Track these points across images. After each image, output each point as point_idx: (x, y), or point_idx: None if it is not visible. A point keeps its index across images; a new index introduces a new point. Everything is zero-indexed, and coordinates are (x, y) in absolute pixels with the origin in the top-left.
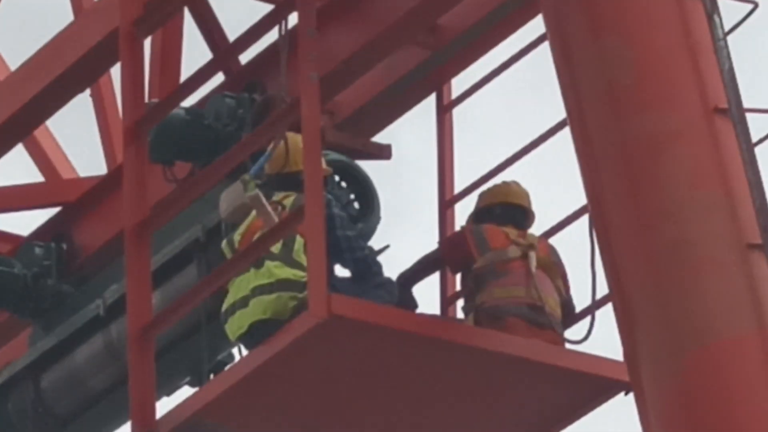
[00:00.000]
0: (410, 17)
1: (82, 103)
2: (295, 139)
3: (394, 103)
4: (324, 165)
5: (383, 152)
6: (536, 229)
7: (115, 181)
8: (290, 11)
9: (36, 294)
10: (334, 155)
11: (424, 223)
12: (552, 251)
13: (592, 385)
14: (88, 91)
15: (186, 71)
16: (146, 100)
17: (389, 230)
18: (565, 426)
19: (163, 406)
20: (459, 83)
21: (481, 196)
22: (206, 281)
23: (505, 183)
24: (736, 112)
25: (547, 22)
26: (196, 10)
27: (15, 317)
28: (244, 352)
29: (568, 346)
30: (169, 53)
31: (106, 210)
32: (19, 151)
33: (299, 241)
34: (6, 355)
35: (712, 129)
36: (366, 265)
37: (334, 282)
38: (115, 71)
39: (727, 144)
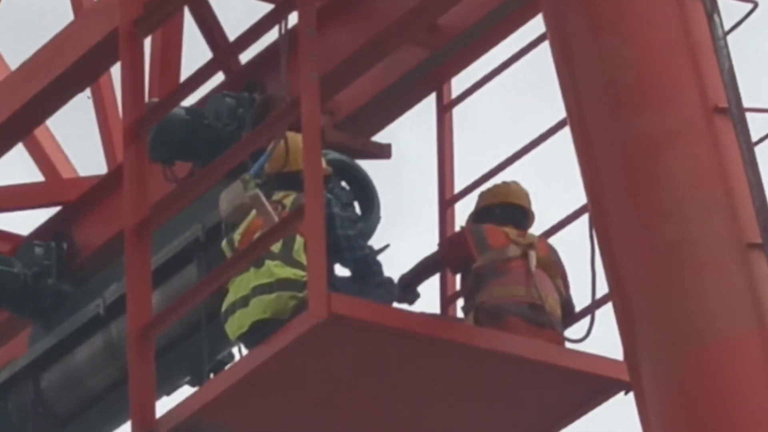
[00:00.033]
0: (410, 17)
1: (82, 103)
2: (295, 138)
3: (394, 103)
4: (324, 164)
5: (383, 152)
6: (536, 229)
7: (115, 180)
8: (290, 11)
9: (36, 293)
10: (334, 155)
11: (424, 223)
12: (552, 251)
13: (592, 385)
14: (88, 91)
15: (186, 71)
16: (146, 99)
17: (389, 230)
18: (565, 425)
19: (163, 405)
20: (459, 83)
21: (481, 196)
22: (206, 281)
23: (505, 183)
24: (736, 112)
25: (547, 21)
26: (196, 10)
27: (15, 317)
28: (244, 351)
29: (568, 345)
30: (169, 53)
31: (106, 209)
32: (19, 151)
33: (299, 240)
34: (6, 354)
35: (712, 129)
36: (366, 264)
37: (334, 281)
38: (115, 71)
39: (727, 144)
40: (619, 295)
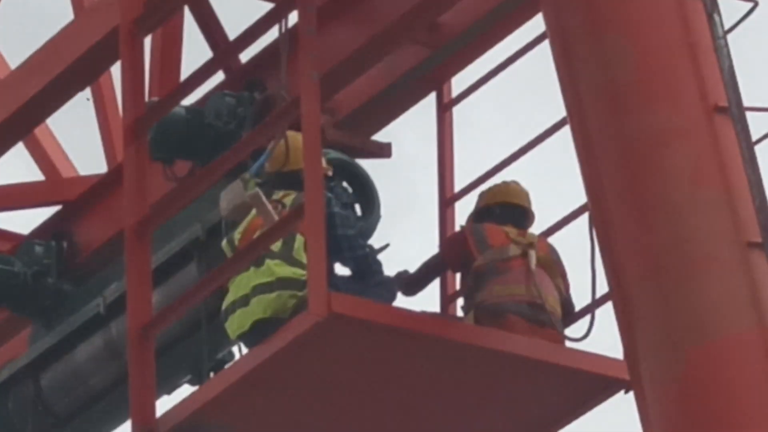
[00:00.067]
0: (410, 16)
1: (82, 102)
2: (296, 137)
3: (394, 102)
4: (324, 163)
5: (383, 151)
6: (536, 228)
7: (115, 179)
8: (290, 10)
9: (36, 292)
10: (334, 154)
11: (424, 222)
12: (552, 250)
13: (592, 383)
14: (88, 90)
15: (186, 70)
16: (146, 98)
17: (389, 229)
18: (565, 424)
19: (163, 404)
20: (459, 82)
21: (481, 195)
22: (206, 280)
23: (505, 183)
24: (736, 111)
25: (547, 20)
26: (196, 9)
27: (15, 316)
28: (244, 350)
29: (568, 344)
30: (170, 52)
31: (107, 209)
32: (19, 150)
33: (299, 239)
34: (6, 353)
35: (712, 127)
36: (366, 263)
37: (334, 280)
38: (116, 70)
39: (727, 142)
40: (619, 293)
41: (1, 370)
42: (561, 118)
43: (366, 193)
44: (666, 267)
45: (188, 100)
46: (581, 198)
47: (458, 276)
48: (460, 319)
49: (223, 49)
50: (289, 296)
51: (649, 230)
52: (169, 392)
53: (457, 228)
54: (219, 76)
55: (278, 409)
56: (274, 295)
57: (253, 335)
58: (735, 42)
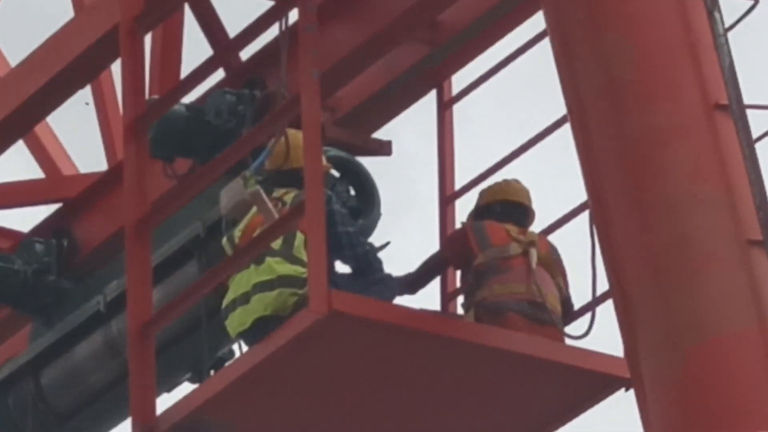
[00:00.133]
0: (411, 13)
1: (82, 100)
2: (296, 135)
3: (395, 100)
4: (324, 161)
5: (384, 148)
6: (536, 225)
7: (115, 177)
8: (291, 8)
9: (36, 290)
10: (334, 151)
11: (425, 220)
12: (552, 249)
13: (593, 382)
14: (88, 88)
15: (186, 68)
16: (146, 96)
17: (390, 226)
18: (565, 422)
19: (164, 402)
20: (459, 80)
21: (482, 193)
22: (207, 277)
23: (505, 181)
24: (736, 109)
25: (548, 18)
26: (196, 7)
27: (15, 313)
28: (245, 348)
29: (568, 342)
30: (170, 49)
31: (107, 206)
32: (19, 148)
33: (300, 237)
34: (6, 351)
35: (712, 125)
36: (366, 261)
37: (334, 278)
38: (116, 68)
39: (727, 140)
40: (619, 291)
41: (2, 367)
42: (561, 116)
43: (366, 190)
44: (666, 265)
45: (188, 98)
46: (581, 196)
47: (459, 274)
48: (460, 317)
49: (224, 47)
50: (290, 294)
51: (649, 228)
52: (169, 390)
53: (458, 226)
54: (219, 74)
55: (278, 407)
56: (274, 293)
57: (254, 333)
58: (735, 40)
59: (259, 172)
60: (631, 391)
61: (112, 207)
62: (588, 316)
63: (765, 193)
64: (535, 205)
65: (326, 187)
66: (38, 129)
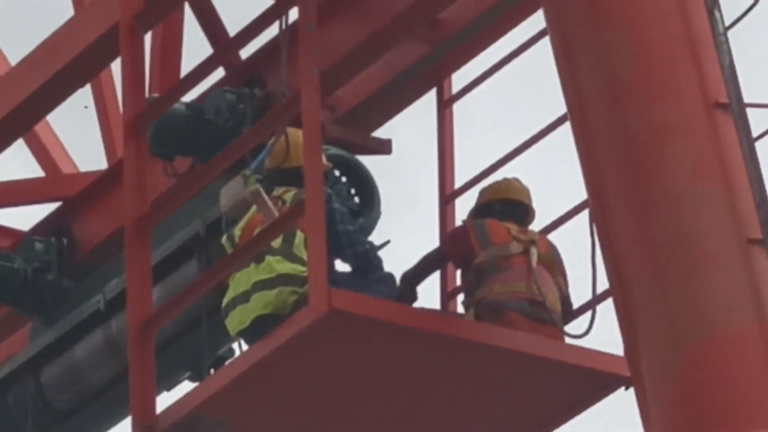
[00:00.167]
0: (411, 12)
1: (82, 98)
2: (296, 134)
3: (395, 98)
4: (324, 160)
5: (384, 147)
6: (536, 224)
7: (115, 175)
8: (291, 6)
9: (36, 289)
10: (334, 150)
11: (425, 218)
12: (552, 248)
13: (593, 380)
14: (88, 86)
15: (186, 66)
16: (146, 94)
17: (389, 225)
18: (565, 421)
19: (164, 400)
20: (459, 78)
21: (482, 192)
22: (207, 276)
23: (505, 180)
24: (736, 107)
25: (548, 16)
26: (196, 5)
27: (15, 312)
28: (245, 347)
29: (568, 341)
30: (170, 48)
31: (107, 205)
32: (19, 146)
33: (300, 235)
34: (6, 349)
35: (712, 124)
36: (366, 259)
37: (334, 277)
38: (116, 66)
39: (727, 139)
40: (619, 290)
41: (2, 366)
42: (561, 115)
43: (366, 189)
44: (666, 263)
45: (188, 97)
46: (581, 194)
47: (459, 272)
48: (460, 315)
49: (224, 46)
50: (290, 292)
51: (649, 226)
52: (169, 389)
53: (458, 224)
54: (219, 73)
55: (278, 406)
56: (274, 291)
57: (254, 331)
58: (735, 38)
59: (259, 170)
60: (631, 390)
61: (112, 205)
62: (588, 314)
63: (765, 191)
64: (535, 204)
65: (326, 185)
66: (38, 128)
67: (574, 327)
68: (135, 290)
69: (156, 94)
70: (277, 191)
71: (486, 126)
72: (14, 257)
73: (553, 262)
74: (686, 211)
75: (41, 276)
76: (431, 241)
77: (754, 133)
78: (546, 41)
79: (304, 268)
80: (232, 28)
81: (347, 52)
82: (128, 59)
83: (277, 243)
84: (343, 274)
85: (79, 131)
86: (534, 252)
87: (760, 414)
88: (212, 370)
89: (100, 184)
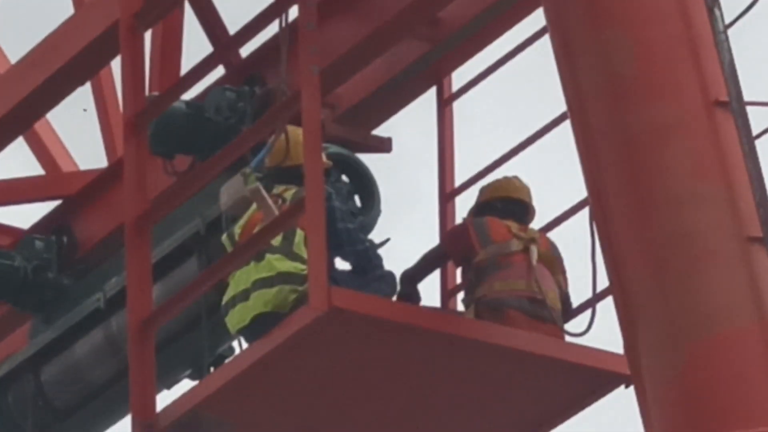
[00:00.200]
0: (410, 10)
1: (82, 96)
2: (296, 132)
3: (395, 96)
4: (324, 158)
5: (384, 145)
6: (536, 222)
7: (115, 174)
8: (291, 4)
9: (36, 287)
10: (334, 148)
11: (425, 217)
12: (552, 246)
13: (593, 378)
14: (88, 84)
15: (186, 64)
16: (146, 93)
17: (389, 223)
18: (565, 419)
19: (164, 399)
20: (459, 77)
21: (482, 190)
22: (207, 274)
23: (506, 178)
24: (736, 105)
25: (548, 15)
26: (196, 3)
27: (15, 310)
28: (245, 345)
29: (568, 339)
30: (170, 46)
31: (107, 203)
32: (19, 144)
33: (300, 234)
34: (6, 348)
35: (712, 122)
36: (366, 257)
37: (334, 275)
38: (116, 64)
39: (727, 137)
40: (619, 288)
41: (2, 364)
42: (561, 113)
43: (366, 187)
44: (666, 261)
45: (188, 95)
46: (581, 192)
47: (459, 270)
48: (460, 313)
49: (224, 44)
50: (290, 291)
51: (649, 225)
52: (169, 387)
53: (458, 222)
54: (219, 71)
55: (278, 404)
56: (274, 289)
57: (254, 330)
58: (735, 36)
59: (259, 168)
60: (631, 388)
61: (112, 204)
62: (588, 312)
63: (765, 190)
64: (535, 202)
65: (326, 183)
66: (38, 126)
67: (574, 325)
68: (135, 288)
69: (156, 93)
70: (277, 189)
71: (486, 124)
72: (14, 255)
73: (553, 261)
74: (686, 210)
75: (41, 274)
76: (431, 239)
77: (755, 132)
78: (546, 39)
79: (304, 267)
80: (232, 27)
81: (347, 50)
82: (128, 57)
83: (277, 241)
84: (343, 272)
85: (79, 129)
86: (534, 250)
87: (760, 413)
88: (212, 369)
89: (100, 183)
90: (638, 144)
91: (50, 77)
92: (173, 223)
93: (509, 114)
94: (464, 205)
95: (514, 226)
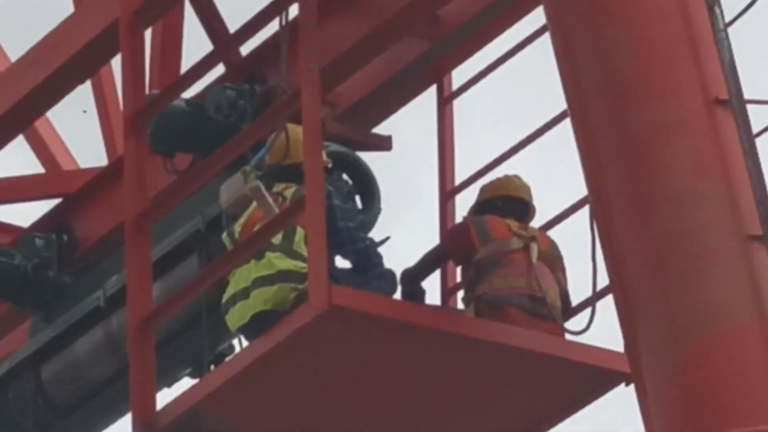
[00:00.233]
0: (411, 9)
1: (82, 95)
2: (296, 130)
3: (395, 95)
4: (324, 156)
5: (384, 143)
6: (536, 220)
7: (115, 172)
8: (291, 2)
9: (36, 285)
10: (334, 146)
11: (425, 215)
12: (553, 245)
13: (593, 377)
14: (88, 83)
15: (186, 62)
16: (147, 91)
17: (390, 222)
18: (565, 417)
19: (164, 397)
20: (459, 75)
21: (483, 189)
22: (207, 272)
23: (506, 177)
24: (736, 104)
25: (548, 13)
26: (196, 2)
27: (15, 308)
28: (245, 343)
29: (568, 337)
30: (170, 44)
31: (107, 201)
32: (19, 143)
33: (300, 232)
34: (6, 346)
35: (712, 120)
36: (366, 256)
37: (334, 273)
38: (116, 62)
39: (727, 135)
40: (619, 286)
41: (2, 362)
42: (561, 111)
43: (366, 185)
44: (666, 259)
45: (189, 93)
46: (582, 191)
47: (459, 268)
48: (460, 311)
49: (224, 42)
50: (290, 289)
51: (649, 223)
52: (169, 385)
53: (458, 221)
54: (219, 69)
55: (278, 402)
56: (274, 287)
57: (254, 328)
58: (736, 35)
59: (260, 167)
60: (632, 386)
61: (112, 202)
62: (588, 311)
63: (765, 188)
64: (536, 201)
65: (326, 182)
66: (38, 124)
67: (574, 323)
68: (135, 287)
69: (156, 91)
70: (278, 188)
71: (486, 123)
72: (14, 254)
73: (553, 259)
74: (686, 208)
75: (41, 272)
76: (431, 237)
77: (755, 130)
78: (546, 38)
79: (304, 265)
80: (233, 25)
81: (347, 48)
82: (128, 56)
83: (277, 239)
84: (343, 270)
85: (79, 128)
86: (534, 248)
87: (760, 411)
88: (212, 367)
89: (100, 181)
90: (638, 142)
91: (50, 75)
92: (173, 222)
93: (509, 112)
94: (464, 203)
95: (514, 225)
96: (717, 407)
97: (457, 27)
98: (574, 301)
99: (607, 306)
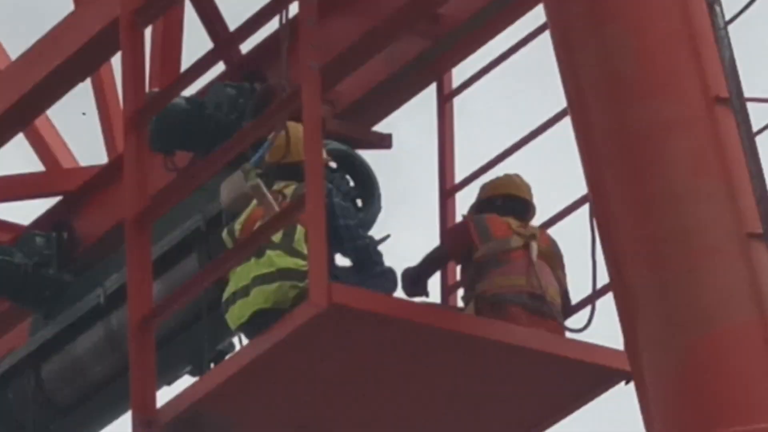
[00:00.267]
0: (411, 6)
1: (82, 93)
2: (296, 128)
3: (395, 93)
4: (324, 154)
5: (384, 142)
6: (537, 218)
7: (115, 170)
8: (291, 1)
9: (36, 283)
10: (334, 144)
11: (425, 213)
12: (553, 243)
13: (593, 375)
14: (88, 81)
15: (187, 61)
16: (147, 89)
17: (390, 219)
18: (565, 415)
19: (164, 395)
20: (460, 73)
21: (483, 188)
22: (207, 270)
23: (507, 175)
24: (736, 102)
25: (548, 11)
26: (196, 0)
27: (16, 307)
28: (245, 341)
29: (568, 335)
30: (170, 42)
31: (107, 199)
32: (19, 141)
33: (300, 230)
34: (7, 344)
35: (712, 118)
36: (367, 254)
37: (334, 271)
38: (116, 61)
39: (727, 133)
40: (619, 284)
41: (2, 361)
42: (562, 110)
43: (367, 184)
44: (667, 258)
45: (189, 91)
46: (582, 189)
47: (459, 266)
48: (460, 309)
49: (224, 40)
50: (290, 287)
51: (649, 221)
52: (169, 383)
53: (458, 219)
54: (219, 67)
55: (278, 400)
56: (274, 285)
57: (254, 326)
58: (736, 32)
59: (260, 165)
60: (632, 384)
61: (112, 200)
62: (588, 309)
63: (765, 186)
64: (536, 199)
65: (326, 180)
66: (38, 122)
67: (574, 321)
68: (135, 285)
69: (156, 89)
70: (278, 186)
71: (486, 121)
72: (14, 252)
73: (553, 257)
74: (686, 206)
75: (41, 270)
76: (431, 235)
77: (755, 128)
78: (546, 36)
79: (304, 263)
80: (233, 23)
81: (347, 46)
82: (128, 54)
83: (277, 237)
84: (343, 268)
85: (79, 126)
86: (534, 246)
87: (761, 408)
88: (212, 365)
89: (100, 179)
90: (638, 140)
91: (50, 73)
92: (173, 220)
93: (509, 110)
94: (464, 201)
95: (514, 223)
96: (717, 405)
97: (457, 25)
98: (574, 299)
99: (607, 304)
